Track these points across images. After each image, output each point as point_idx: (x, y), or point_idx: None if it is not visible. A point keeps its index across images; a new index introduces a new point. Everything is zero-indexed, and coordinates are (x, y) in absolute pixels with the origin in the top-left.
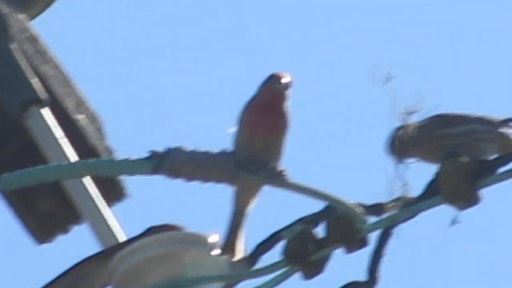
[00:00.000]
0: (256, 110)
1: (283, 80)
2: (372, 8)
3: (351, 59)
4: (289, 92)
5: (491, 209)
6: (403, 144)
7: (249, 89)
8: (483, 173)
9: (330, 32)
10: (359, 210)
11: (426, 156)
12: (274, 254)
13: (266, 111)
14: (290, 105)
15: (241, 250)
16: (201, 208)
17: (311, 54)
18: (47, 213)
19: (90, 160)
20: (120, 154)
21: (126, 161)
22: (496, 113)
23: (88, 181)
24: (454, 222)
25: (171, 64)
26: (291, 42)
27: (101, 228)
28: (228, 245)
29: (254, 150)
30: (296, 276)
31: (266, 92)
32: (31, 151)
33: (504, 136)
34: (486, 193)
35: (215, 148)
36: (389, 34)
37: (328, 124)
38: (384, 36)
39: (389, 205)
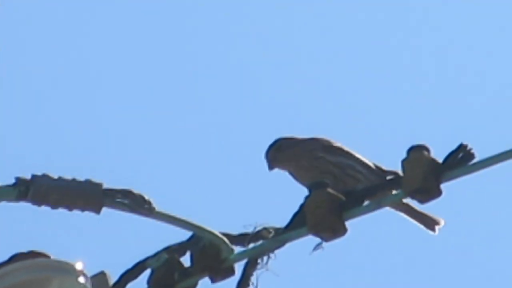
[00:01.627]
0: None
1: None
2: None
3: None
4: None
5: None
6: (279, 152)
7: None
8: (350, 204)
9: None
10: (225, 239)
11: (296, 171)
12: (139, 283)
13: None
14: None
15: None
16: (67, 235)
17: None
18: None
19: None
20: None
21: None
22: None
23: None
24: (317, 248)
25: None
26: None
27: None
28: None
29: None
30: None
31: None
32: None
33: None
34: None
35: (81, 176)
36: None
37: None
38: None
39: (256, 235)
